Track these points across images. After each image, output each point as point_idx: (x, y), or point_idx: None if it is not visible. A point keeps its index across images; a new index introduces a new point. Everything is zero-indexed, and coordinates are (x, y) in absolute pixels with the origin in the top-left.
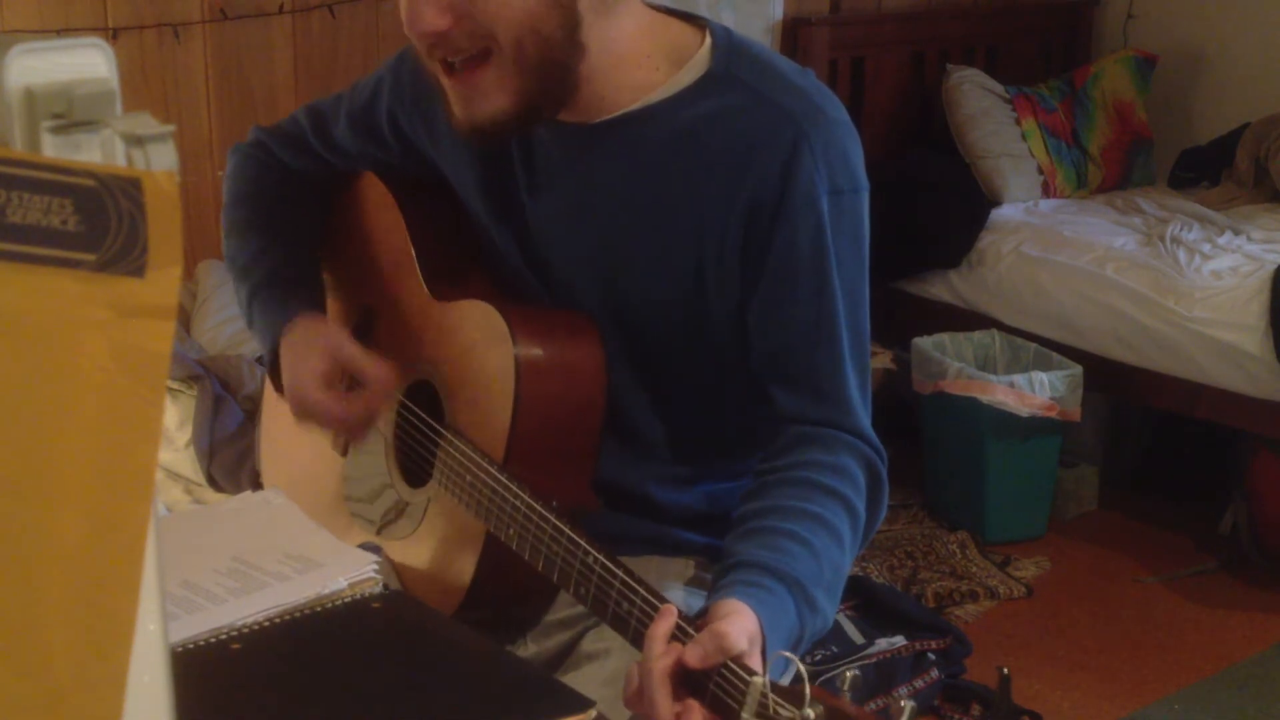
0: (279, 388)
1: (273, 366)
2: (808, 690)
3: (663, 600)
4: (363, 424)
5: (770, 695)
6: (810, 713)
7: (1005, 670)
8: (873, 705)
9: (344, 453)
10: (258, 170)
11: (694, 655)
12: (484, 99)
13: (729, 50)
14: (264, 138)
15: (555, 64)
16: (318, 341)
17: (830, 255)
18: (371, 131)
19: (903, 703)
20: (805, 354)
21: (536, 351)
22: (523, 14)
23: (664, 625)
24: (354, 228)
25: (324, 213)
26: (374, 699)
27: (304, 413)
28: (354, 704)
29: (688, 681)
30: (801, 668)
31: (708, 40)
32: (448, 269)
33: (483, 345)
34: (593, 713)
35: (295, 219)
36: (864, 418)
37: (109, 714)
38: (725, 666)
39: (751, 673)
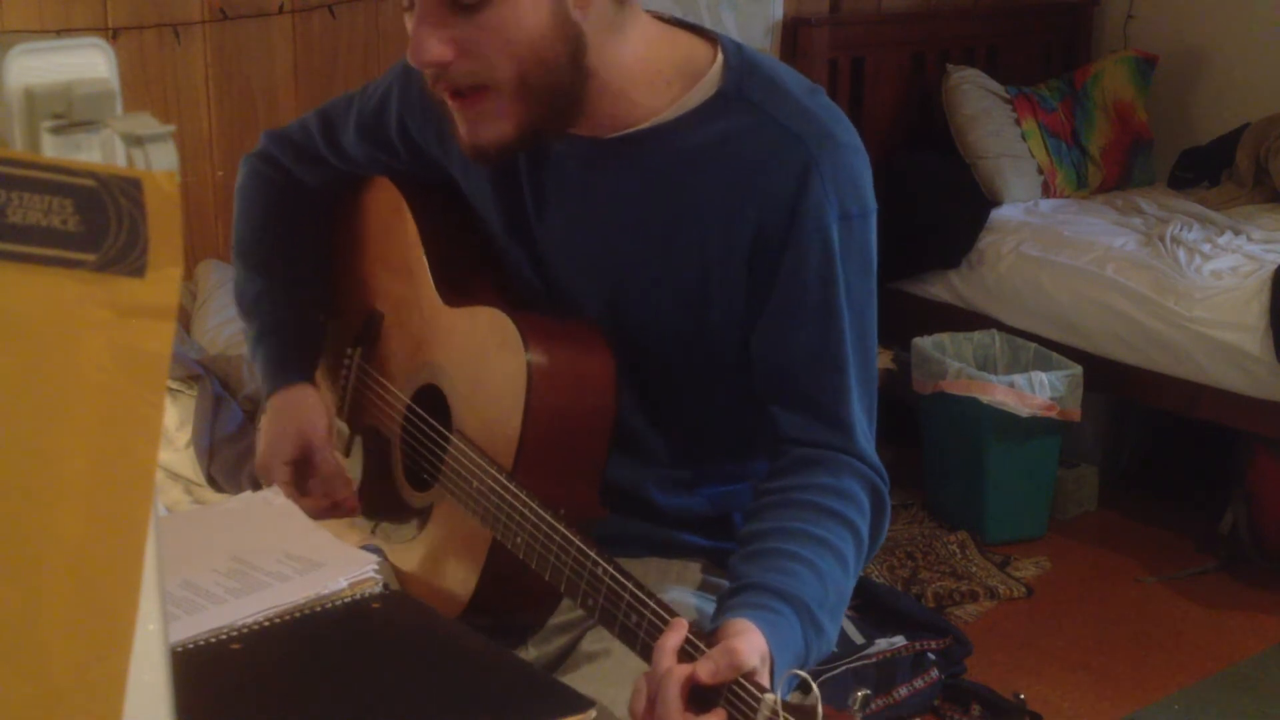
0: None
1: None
2: (820, 709)
3: (672, 613)
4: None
5: (782, 713)
6: None
7: (1022, 695)
8: (875, 705)
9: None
10: (267, 190)
11: (706, 670)
12: (488, 124)
13: (740, 68)
14: (274, 149)
15: (560, 89)
16: (296, 423)
17: (839, 280)
18: (381, 139)
19: None
20: (811, 378)
21: (548, 359)
22: (527, 45)
23: (674, 638)
24: (364, 230)
25: (331, 233)
26: (374, 699)
27: (267, 479)
28: (354, 704)
29: (697, 698)
30: (815, 687)
31: (719, 58)
32: (458, 274)
33: (494, 351)
34: (592, 713)
35: (301, 252)
36: (868, 442)
37: (109, 714)
38: (737, 683)
39: (763, 690)
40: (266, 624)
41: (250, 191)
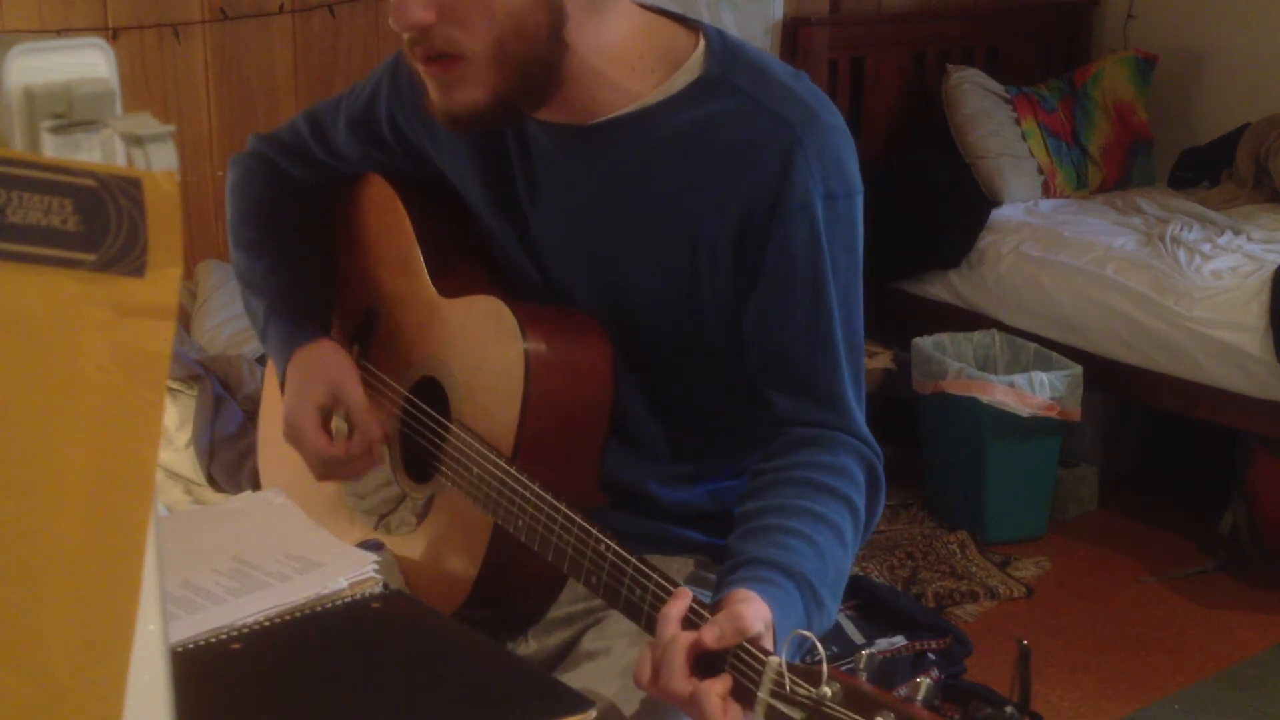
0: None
1: (284, 384)
2: (825, 669)
3: (676, 585)
4: (339, 471)
5: (787, 675)
6: (827, 690)
7: (1025, 642)
8: None
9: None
10: (261, 184)
11: (711, 634)
12: (460, 90)
13: (723, 54)
14: (264, 148)
15: (537, 61)
16: (323, 372)
17: (825, 259)
18: (372, 134)
19: (918, 679)
20: (801, 357)
21: (546, 347)
22: (508, 11)
23: (679, 606)
24: (358, 226)
25: (326, 227)
26: (374, 699)
27: (292, 439)
28: (354, 704)
29: (702, 664)
30: (819, 646)
31: (701, 44)
32: (453, 267)
33: (492, 340)
34: (592, 713)
35: (301, 234)
36: (860, 418)
37: (109, 714)
38: (741, 648)
39: (767, 653)
40: (266, 624)
41: (244, 186)
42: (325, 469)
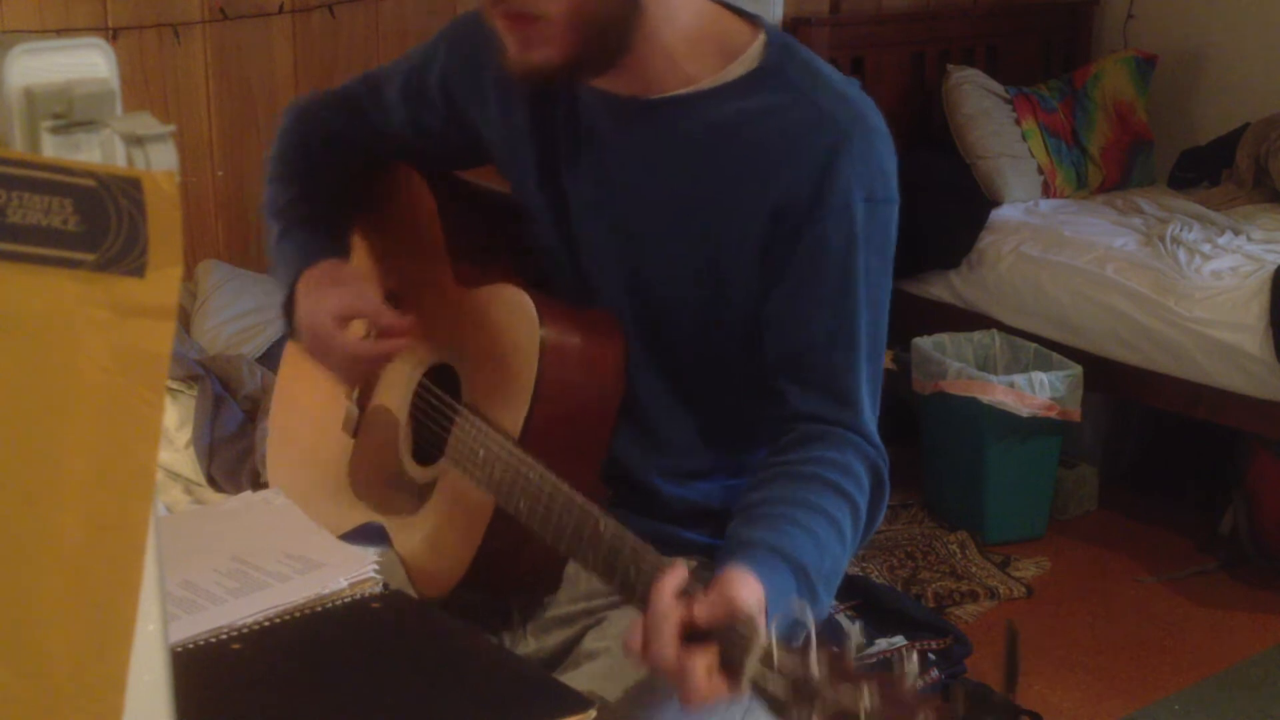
0: (292, 333)
1: (288, 307)
2: (814, 648)
3: (672, 562)
4: (374, 365)
5: (775, 650)
6: (814, 666)
7: (1013, 624)
8: None
9: (352, 395)
10: (306, 126)
11: (702, 611)
12: (538, 49)
13: (781, 50)
14: (317, 97)
15: (612, 23)
16: (340, 281)
17: (859, 260)
18: (422, 94)
19: (903, 649)
20: (823, 355)
21: (562, 336)
22: None
23: (673, 580)
24: (383, 212)
25: (363, 179)
26: (374, 699)
27: (316, 348)
28: (354, 704)
29: (693, 637)
30: (810, 624)
31: (761, 37)
32: (476, 256)
33: (509, 324)
34: (592, 713)
35: (334, 176)
36: (872, 421)
37: (109, 714)
38: (732, 623)
39: (756, 630)
40: (266, 624)
41: (290, 127)
42: (358, 366)
